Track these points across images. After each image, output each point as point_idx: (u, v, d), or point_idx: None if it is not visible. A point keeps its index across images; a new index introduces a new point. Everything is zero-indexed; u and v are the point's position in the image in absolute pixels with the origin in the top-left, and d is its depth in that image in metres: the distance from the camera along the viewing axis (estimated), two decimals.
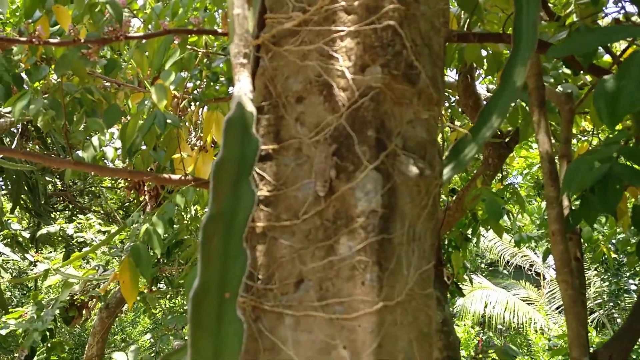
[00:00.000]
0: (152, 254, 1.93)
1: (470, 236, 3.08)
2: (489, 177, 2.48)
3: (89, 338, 4.07)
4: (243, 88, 0.75)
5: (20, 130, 2.86)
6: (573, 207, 1.80)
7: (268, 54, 0.83)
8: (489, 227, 2.93)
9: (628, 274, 5.98)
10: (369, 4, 0.77)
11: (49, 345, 3.65)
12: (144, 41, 1.58)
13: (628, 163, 1.31)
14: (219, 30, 1.58)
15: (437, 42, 0.87)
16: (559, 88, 2.15)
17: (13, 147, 3.12)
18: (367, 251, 0.68)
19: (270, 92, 0.82)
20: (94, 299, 3.62)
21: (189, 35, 1.80)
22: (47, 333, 3.46)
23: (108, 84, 1.82)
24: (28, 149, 3.75)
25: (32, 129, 3.60)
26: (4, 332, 3.42)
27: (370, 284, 0.67)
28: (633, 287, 6.05)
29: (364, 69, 0.75)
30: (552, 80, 2.25)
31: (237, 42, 0.78)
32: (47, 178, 4.28)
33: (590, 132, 2.88)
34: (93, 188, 5.12)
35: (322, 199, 0.72)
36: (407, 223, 0.75)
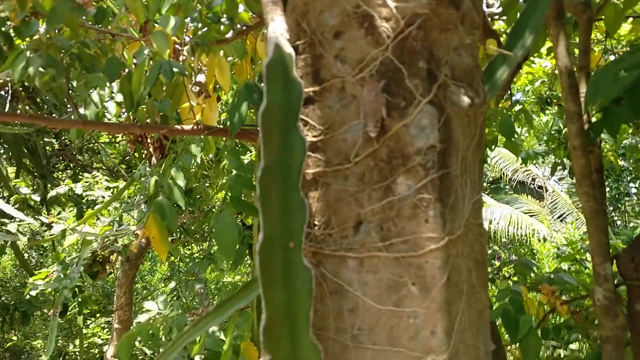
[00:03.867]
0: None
1: None
2: (499, 97, 2.43)
3: (116, 289, 4.20)
4: (278, 28, 0.70)
5: (10, 91, 2.76)
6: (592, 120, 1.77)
7: None
8: (493, 146, 2.92)
9: (629, 177, 6.10)
10: None
11: (79, 300, 3.78)
12: None
13: None
14: None
15: None
16: None
17: (6, 110, 3.02)
18: (429, 188, 0.67)
19: (303, 29, 0.77)
20: (115, 254, 3.69)
21: None
22: (76, 289, 3.58)
23: (101, 35, 1.72)
24: (19, 110, 3.65)
25: (21, 89, 3.48)
26: (33, 292, 3.52)
27: (434, 221, 0.67)
28: (634, 190, 6.20)
29: None
30: None
31: None
32: (45, 139, 4.20)
33: (602, 39, 2.78)
34: (91, 145, 5.05)
35: (374, 139, 0.70)
36: (460, 155, 0.73)
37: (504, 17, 2.27)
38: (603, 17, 1.98)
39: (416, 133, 0.68)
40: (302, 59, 0.77)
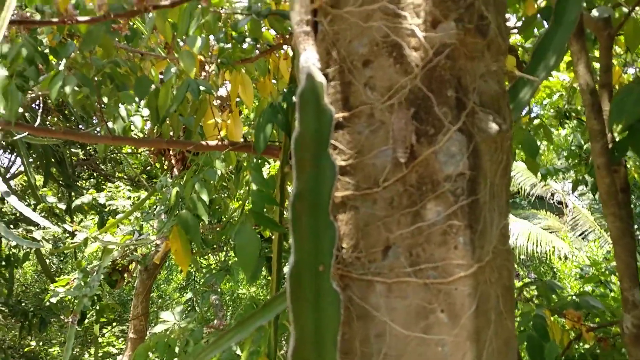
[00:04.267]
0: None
1: None
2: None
3: (133, 299, 4.26)
4: (310, 58, 0.72)
5: (41, 105, 2.86)
6: (617, 139, 1.76)
7: (327, 18, 0.79)
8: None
9: None
10: None
11: (97, 308, 3.84)
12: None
13: None
14: None
15: None
16: (594, 13, 2.03)
17: (37, 123, 3.13)
18: (458, 215, 0.68)
19: (333, 57, 0.79)
20: (134, 263, 3.75)
21: None
22: (95, 297, 3.64)
23: (131, 54, 1.78)
24: (48, 122, 3.76)
25: (53, 104, 3.58)
26: (54, 299, 3.59)
27: (463, 247, 0.67)
28: None
29: (436, 25, 0.71)
30: (584, 4, 2.13)
31: (298, 9, 0.74)
32: (72, 149, 4.31)
33: (622, 54, 2.76)
34: (114, 155, 5.16)
35: (403, 165, 0.71)
36: (488, 182, 0.74)
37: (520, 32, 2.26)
38: (623, 33, 1.97)
39: (445, 160, 0.69)
40: (332, 86, 0.79)
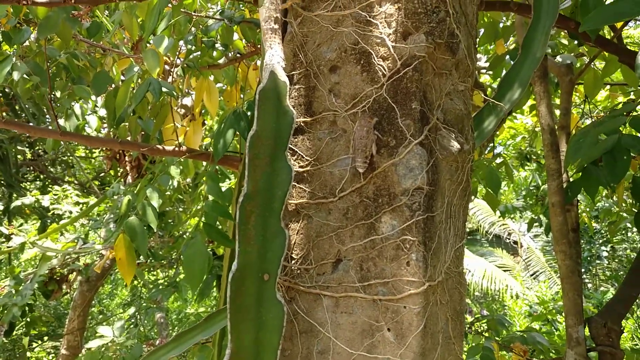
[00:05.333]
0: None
1: None
2: (483, 147, 2.48)
3: (70, 312, 3.98)
4: (275, 56, 0.70)
5: None
6: (571, 179, 1.82)
7: (297, 19, 0.77)
8: (473, 197, 2.96)
9: (600, 241, 6.23)
10: None
11: (28, 319, 3.56)
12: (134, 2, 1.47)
13: (634, 133, 1.32)
14: None
15: (472, 10, 0.83)
16: (558, 59, 2.13)
17: None
18: (413, 230, 0.65)
19: (300, 60, 0.76)
20: (74, 272, 3.52)
21: None
22: (26, 308, 3.37)
23: (91, 48, 1.70)
24: None
25: (0, 94, 3.38)
26: None
27: (416, 264, 0.65)
28: (604, 254, 6.31)
29: (406, 37, 0.70)
30: (548, 50, 2.24)
31: (268, 5, 0.71)
32: (18, 147, 4.07)
33: (580, 103, 2.91)
34: (66, 157, 4.91)
35: (361, 175, 0.69)
36: (446, 200, 0.72)
37: (490, 72, 2.35)
38: (583, 81, 2.07)
39: (404, 173, 0.67)
40: (296, 89, 0.76)
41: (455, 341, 0.73)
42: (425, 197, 0.66)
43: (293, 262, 0.71)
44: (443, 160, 0.71)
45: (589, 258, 6.27)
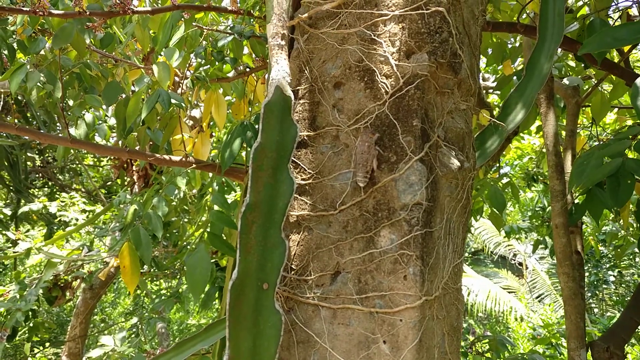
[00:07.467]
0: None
1: None
2: (489, 167, 2.49)
3: (72, 319, 3.98)
4: (281, 71, 0.72)
5: (0, 103, 2.72)
6: (576, 201, 1.81)
7: (303, 36, 0.79)
8: (478, 217, 2.95)
9: (607, 265, 6.14)
10: None
11: (31, 325, 3.56)
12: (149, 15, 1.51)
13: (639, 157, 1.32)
14: (229, 8, 1.51)
15: (475, 31, 0.85)
16: (565, 81, 2.15)
17: None
18: (411, 245, 0.66)
19: (305, 76, 0.78)
20: (78, 280, 3.53)
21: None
22: (30, 313, 3.38)
23: (104, 59, 1.74)
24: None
25: (13, 102, 3.45)
26: None
27: (413, 278, 0.65)
28: (611, 279, 6.22)
29: (410, 56, 0.72)
30: (556, 72, 2.26)
31: (275, 22, 0.74)
32: (28, 154, 4.13)
33: (588, 125, 2.91)
34: (74, 165, 4.97)
35: (361, 189, 0.70)
36: (445, 217, 0.73)
37: (498, 92, 2.37)
38: (590, 104, 2.08)
39: (404, 188, 0.68)
40: (301, 104, 0.78)
41: (451, 357, 0.73)
42: (424, 212, 0.67)
43: (292, 272, 0.72)
44: (443, 177, 0.72)
45: (595, 282, 6.18)
